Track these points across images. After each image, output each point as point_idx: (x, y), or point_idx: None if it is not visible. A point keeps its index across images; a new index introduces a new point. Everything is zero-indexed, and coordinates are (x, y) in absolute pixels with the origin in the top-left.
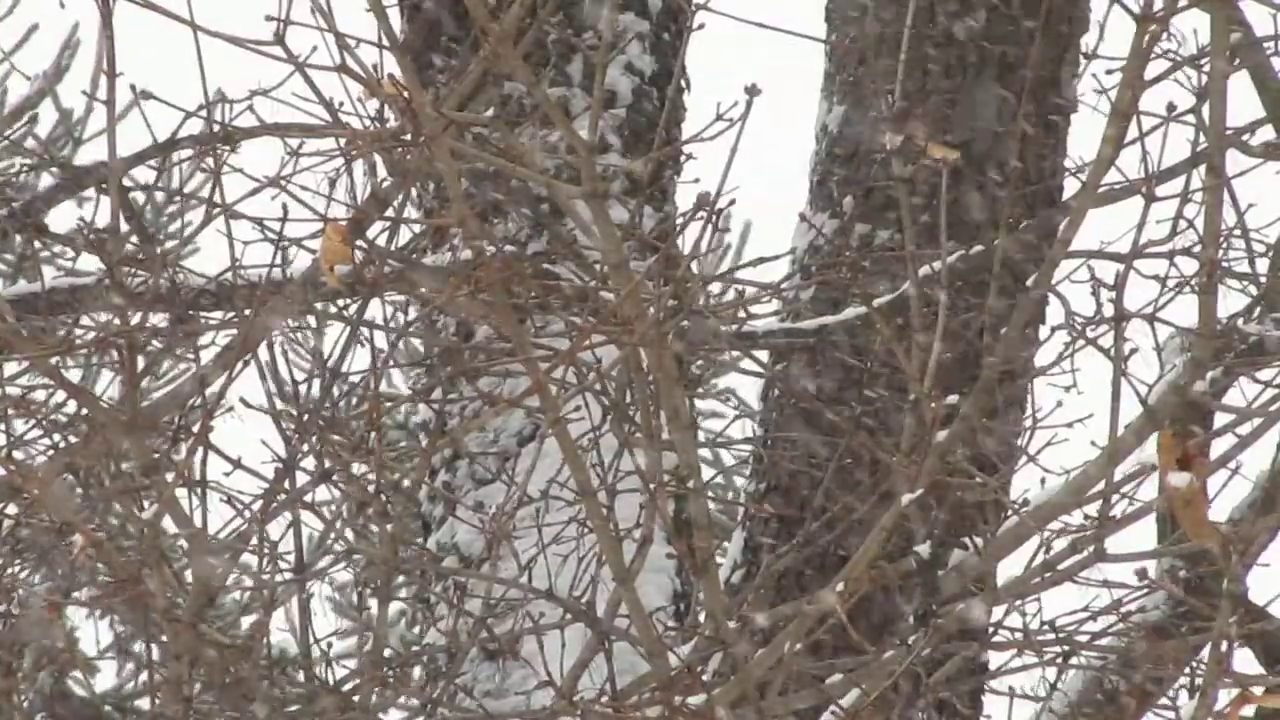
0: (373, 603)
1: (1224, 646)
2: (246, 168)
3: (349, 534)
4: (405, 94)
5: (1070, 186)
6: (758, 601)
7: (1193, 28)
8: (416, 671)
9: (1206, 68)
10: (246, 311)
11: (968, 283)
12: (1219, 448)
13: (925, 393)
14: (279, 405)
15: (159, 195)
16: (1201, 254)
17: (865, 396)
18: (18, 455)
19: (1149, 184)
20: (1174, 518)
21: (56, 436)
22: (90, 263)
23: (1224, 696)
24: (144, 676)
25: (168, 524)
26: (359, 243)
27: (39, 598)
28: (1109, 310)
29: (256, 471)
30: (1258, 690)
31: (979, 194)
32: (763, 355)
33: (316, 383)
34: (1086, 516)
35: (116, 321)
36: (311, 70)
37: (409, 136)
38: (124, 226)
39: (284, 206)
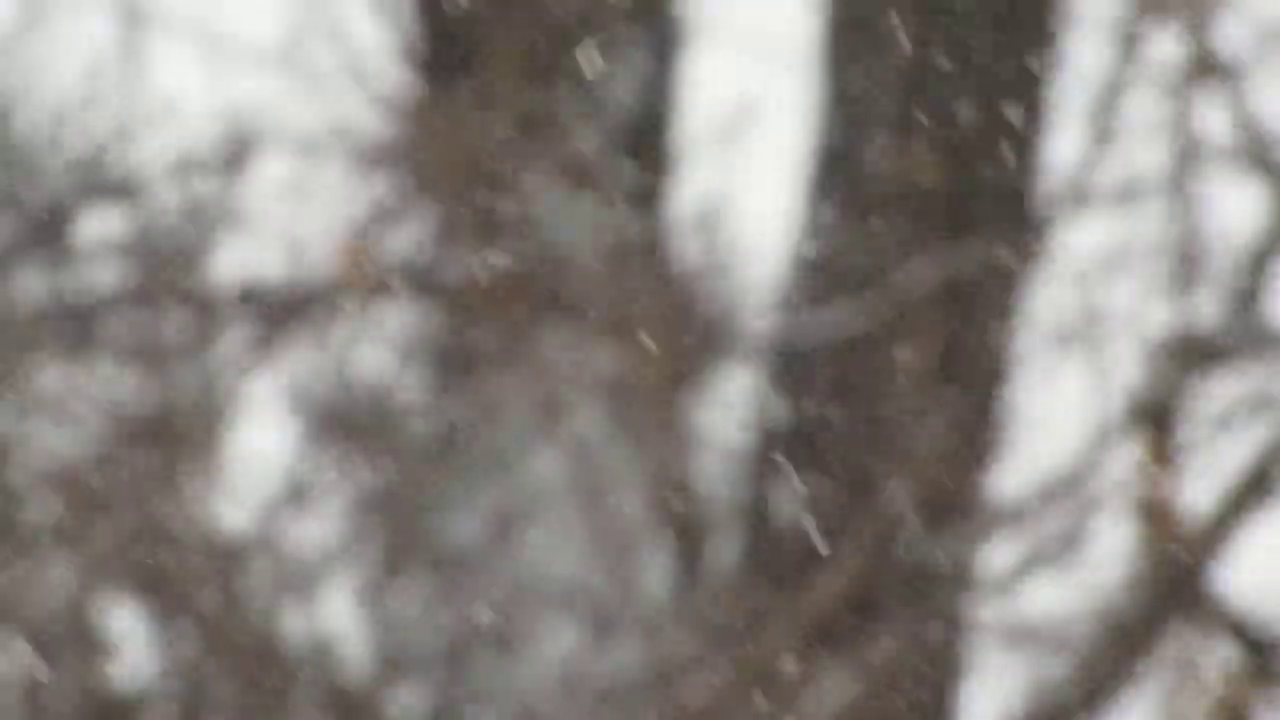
0: (375, 601)
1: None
2: (259, 181)
3: (354, 531)
4: (415, 106)
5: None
6: (755, 598)
7: (1168, 40)
8: (418, 667)
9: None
10: (262, 320)
11: (953, 290)
12: (1191, 449)
13: (913, 396)
14: (290, 407)
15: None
16: (1177, 259)
17: (858, 401)
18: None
19: (1127, 192)
20: (1148, 517)
21: (79, 438)
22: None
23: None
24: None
25: (184, 524)
26: (368, 253)
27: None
28: (1087, 314)
29: (266, 469)
30: (1225, 683)
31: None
32: (759, 360)
33: (327, 386)
34: (1066, 514)
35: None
36: (325, 83)
37: (418, 148)
38: (142, 237)
39: (297, 219)
